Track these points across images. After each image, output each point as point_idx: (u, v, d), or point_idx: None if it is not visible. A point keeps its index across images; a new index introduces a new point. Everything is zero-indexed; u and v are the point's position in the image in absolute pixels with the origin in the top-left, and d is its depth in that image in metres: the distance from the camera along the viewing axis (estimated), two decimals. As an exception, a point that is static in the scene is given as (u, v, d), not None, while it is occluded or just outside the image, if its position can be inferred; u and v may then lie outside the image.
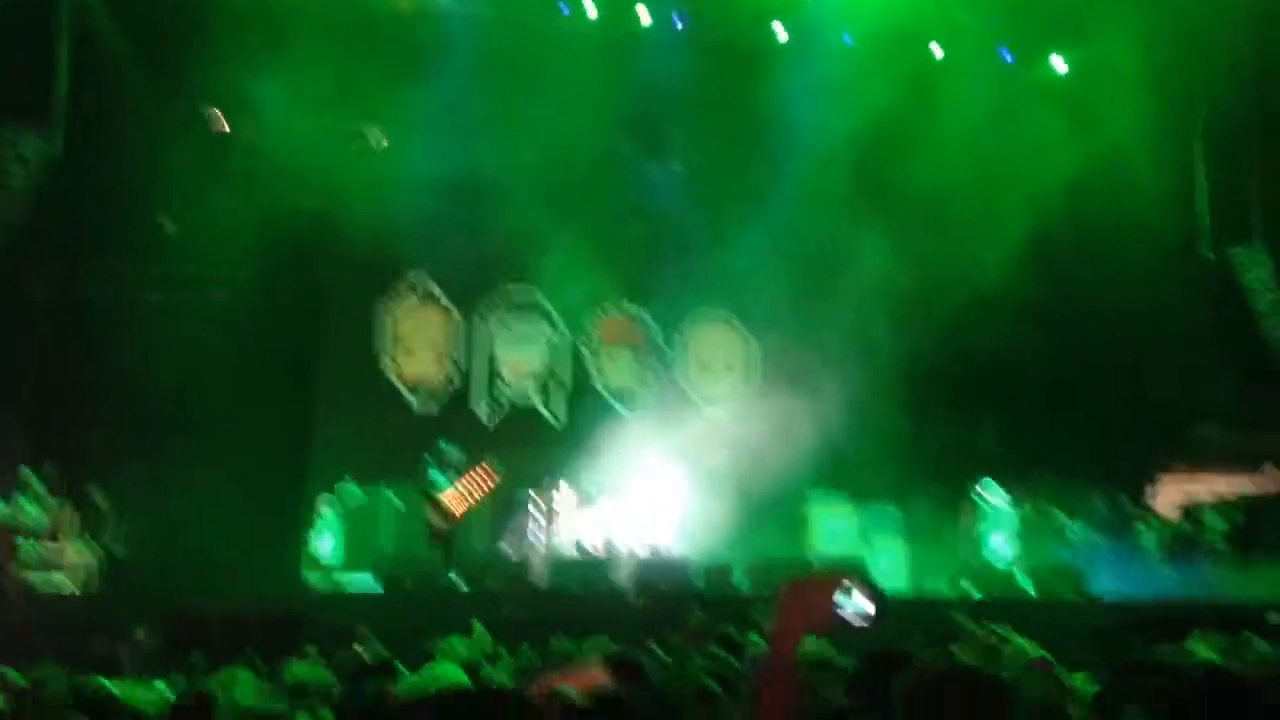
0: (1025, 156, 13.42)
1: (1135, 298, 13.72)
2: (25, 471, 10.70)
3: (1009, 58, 15.26)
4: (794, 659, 2.05)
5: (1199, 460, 15.16)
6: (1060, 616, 10.77)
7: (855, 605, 2.07)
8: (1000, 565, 12.46)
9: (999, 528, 12.69)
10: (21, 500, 10.24)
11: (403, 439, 13.58)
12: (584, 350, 15.69)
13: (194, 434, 12.70)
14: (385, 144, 13.87)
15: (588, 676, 2.78)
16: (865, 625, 2.09)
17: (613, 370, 15.79)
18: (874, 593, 2.09)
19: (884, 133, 13.27)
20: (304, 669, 4.87)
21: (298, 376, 13.77)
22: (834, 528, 13.13)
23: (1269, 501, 13.90)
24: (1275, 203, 13.90)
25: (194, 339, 13.05)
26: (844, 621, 2.08)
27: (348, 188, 13.06)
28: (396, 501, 12.49)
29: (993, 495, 12.80)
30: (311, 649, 6.52)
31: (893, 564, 12.68)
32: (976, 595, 11.55)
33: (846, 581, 2.09)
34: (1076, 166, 13.43)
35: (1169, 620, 9.42)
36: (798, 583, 2.16)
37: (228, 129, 13.52)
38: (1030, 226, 13.05)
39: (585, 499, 12.81)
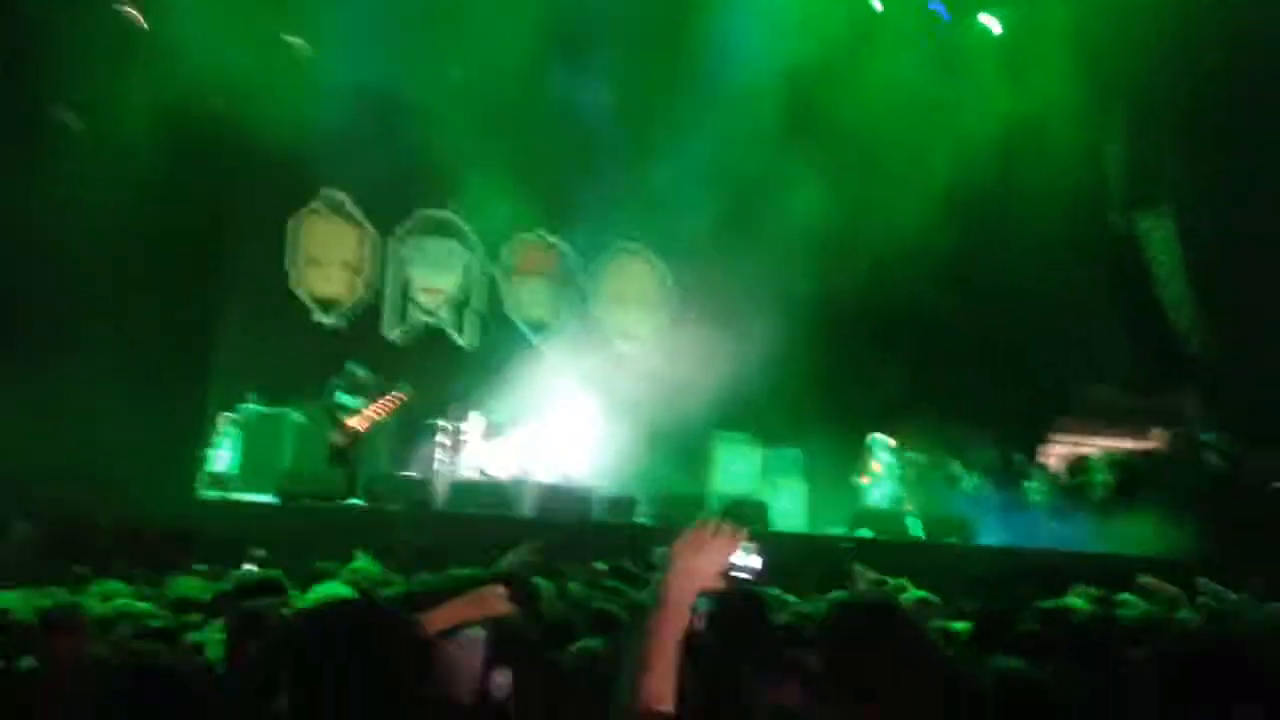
0: (953, 112, 13.55)
1: (1044, 258, 14.01)
2: None
3: (945, 15, 15.30)
4: (686, 612, 2.00)
5: (1091, 419, 15.70)
6: (947, 563, 11.11)
7: (746, 562, 2.09)
8: (888, 510, 12.75)
9: (888, 475, 12.95)
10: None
11: (310, 358, 13.34)
12: (499, 277, 15.53)
13: (89, 338, 12.33)
14: (308, 50, 13.42)
15: (486, 603, 2.70)
16: (750, 580, 2.11)
17: (527, 299, 15.68)
18: (760, 551, 2.12)
19: (817, 75, 13.25)
20: (188, 584, 4.81)
21: (201, 286, 13.39)
22: (738, 467, 13.30)
23: (1150, 460, 14.47)
24: (1184, 172, 14.25)
25: (95, 238, 12.61)
26: (730, 579, 2.09)
27: (263, 94, 12.62)
28: (300, 419, 12.28)
29: (881, 445, 13.04)
30: (200, 566, 6.43)
31: (793, 505, 12.91)
32: (866, 535, 11.85)
33: (745, 541, 2.09)
34: (1001, 126, 13.58)
35: (1048, 571, 9.82)
36: (696, 535, 2.09)
37: (143, 24, 12.95)
38: (951, 180, 13.21)
39: (493, 427, 12.77)
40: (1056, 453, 15.31)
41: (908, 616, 2.57)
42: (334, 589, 4.54)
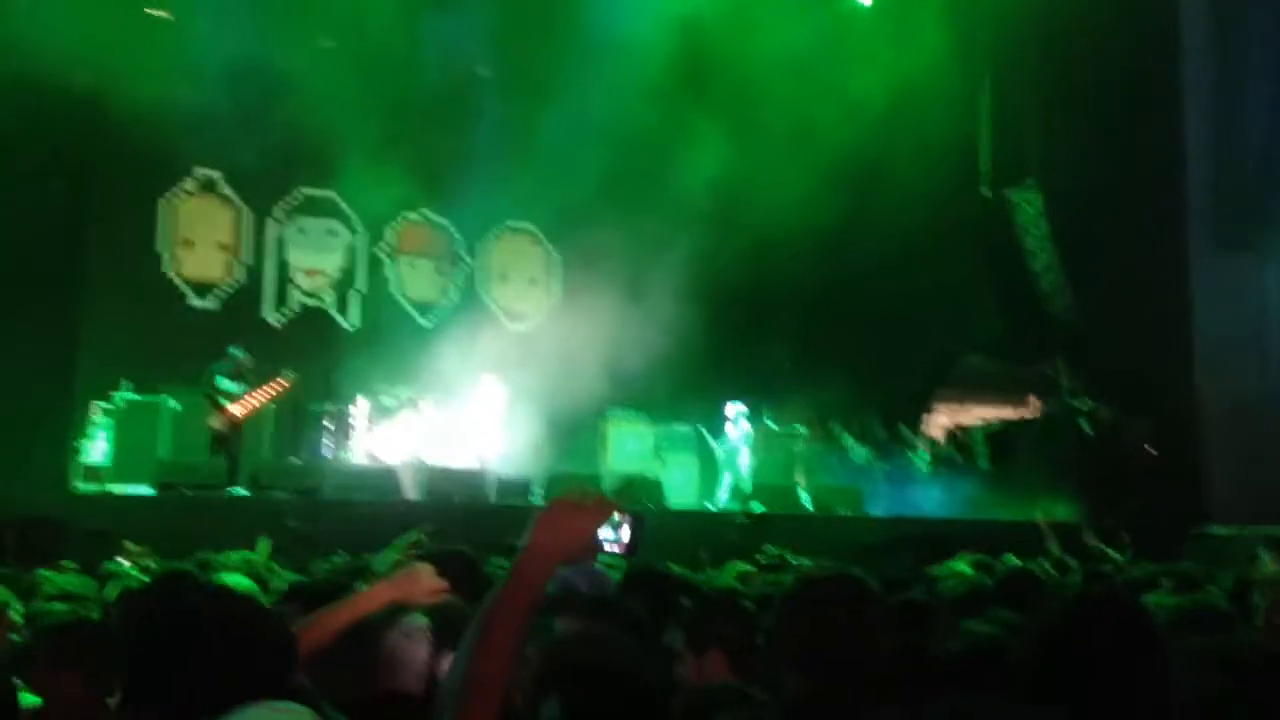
0: (834, 82, 13.72)
1: (919, 231, 14.34)
2: None
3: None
4: (542, 587, 1.83)
5: (968, 388, 16.22)
6: (838, 533, 11.36)
7: (617, 536, 1.91)
8: (779, 484, 12.93)
9: (747, 447, 13.10)
10: None
11: (185, 343, 12.89)
12: (383, 257, 15.23)
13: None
14: (173, 22, 12.89)
15: (413, 585, 2.58)
16: (620, 554, 1.96)
17: (412, 279, 15.41)
18: (635, 522, 1.92)
19: (697, 46, 13.24)
20: (65, 580, 4.61)
21: (65, 272, 12.82)
22: (630, 445, 13.33)
23: (1026, 427, 15.03)
24: (1049, 145, 14.72)
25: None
26: (598, 549, 1.92)
27: (128, 69, 12.09)
28: (177, 407, 11.85)
29: (741, 417, 13.20)
30: (70, 563, 6.15)
31: (685, 481, 13.00)
32: (758, 510, 12.02)
33: (617, 515, 1.90)
34: (878, 99, 13.83)
35: (932, 538, 10.12)
36: (561, 504, 1.90)
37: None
38: (832, 152, 13.39)
39: (381, 410, 12.53)
40: (938, 422, 15.78)
41: (874, 591, 2.57)
42: (232, 579, 4.42)
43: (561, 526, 1.85)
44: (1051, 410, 14.66)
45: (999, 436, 14.65)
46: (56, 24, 11.32)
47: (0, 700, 2.34)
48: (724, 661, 2.88)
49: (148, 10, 12.75)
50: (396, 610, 2.48)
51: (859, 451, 13.91)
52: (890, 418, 14.70)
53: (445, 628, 2.44)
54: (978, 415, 15.75)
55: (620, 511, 1.90)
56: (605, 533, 1.90)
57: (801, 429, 13.59)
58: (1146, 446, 13.19)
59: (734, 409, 13.10)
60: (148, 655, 1.90)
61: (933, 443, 14.95)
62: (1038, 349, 15.18)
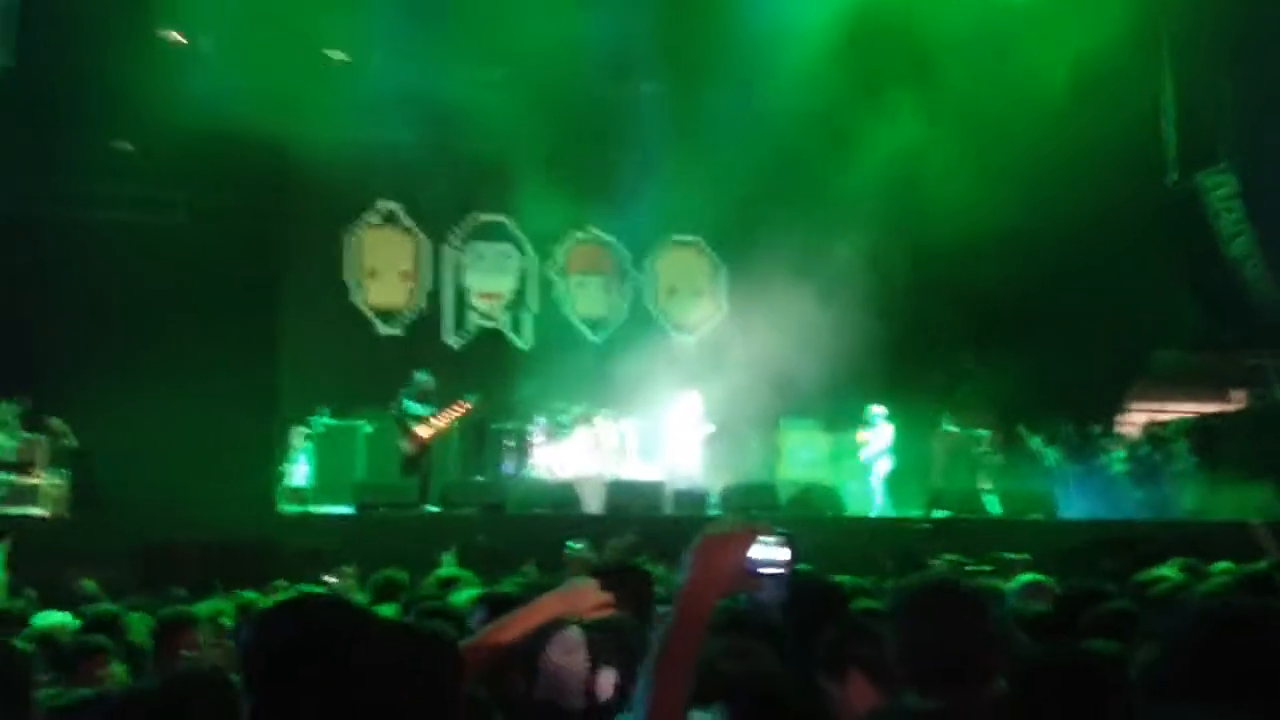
0: (1004, 72, 13.31)
1: (1104, 223, 13.73)
2: (7, 407, 10.51)
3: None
4: (704, 623, 1.83)
5: (1167, 384, 15.37)
6: (1029, 539, 10.93)
7: (770, 557, 1.86)
8: (964, 489, 12.54)
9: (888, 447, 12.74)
10: (-9, 434, 10.08)
11: (374, 368, 13.51)
12: (553, 277, 15.57)
13: (159, 367, 12.57)
14: (349, 62, 13.53)
15: (577, 599, 2.62)
16: (782, 574, 1.88)
17: (582, 297, 15.70)
18: (787, 539, 1.87)
19: (860, 46, 13.02)
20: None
21: (262, 303, 13.61)
22: (805, 453, 13.22)
23: (1229, 422, 14.15)
24: (1241, 125, 13.89)
25: (155, 262, 12.86)
26: (759, 576, 1.86)
27: (310, 110, 12.77)
28: (370, 430, 12.43)
29: (875, 415, 12.84)
30: (280, 582, 6.50)
31: (863, 488, 12.77)
32: (943, 516, 11.69)
33: (761, 534, 1.86)
34: (1052, 84, 13.33)
35: (1134, 542, 9.63)
36: (710, 539, 1.87)
37: (183, 42, 13.16)
38: (1007, 143, 12.97)
39: (558, 426, 12.81)
40: (1134, 420, 15.01)
41: (975, 593, 2.48)
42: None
43: (713, 563, 1.84)
44: (1259, 403, 13.76)
45: (1201, 433, 13.81)
46: (241, 74, 12.06)
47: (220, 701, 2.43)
48: (865, 682, 2.76)
49: (325, 52, 13.40)
50: (557, 623, 2.52)
51: (1049, 454, 13.36)
52: (1082, 417, 14.06)
53: (606, 642, 2.46)
54: (1177, 411, 14.90)
55: (771, 533, 1.87)
56: (762, 554, 1.87)
57: (984, 432, 13.17)
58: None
59: (876, 411, 12.79)
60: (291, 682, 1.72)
61: (1129, 442, 14.23)
62: (1240, 339, 14.30)
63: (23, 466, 9.95)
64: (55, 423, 11.08)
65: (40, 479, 10.02)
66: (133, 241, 13.02)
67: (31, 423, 10.72)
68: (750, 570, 1.86)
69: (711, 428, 12.83)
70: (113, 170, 13.12)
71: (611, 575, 3.47)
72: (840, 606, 3.65)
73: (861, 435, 12.76)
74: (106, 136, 12.86)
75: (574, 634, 2.50)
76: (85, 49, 11.75)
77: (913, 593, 2.60)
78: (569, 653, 2.49)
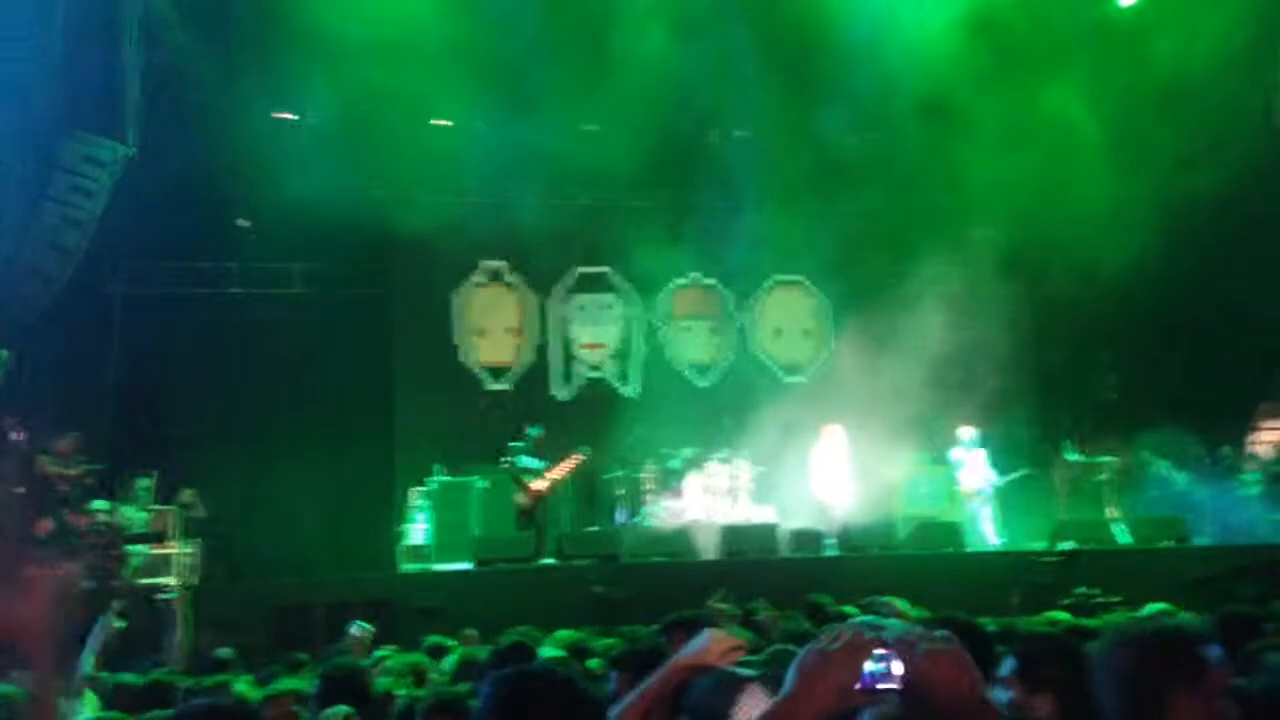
0: (1092, 92, 13.01)
1: (1221, 240, 13.23)
2: (139, 481, 10.97)
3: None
4: None
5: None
6: (1160, 568, 10.53)
7: (885, 669, 1.71)
8: (1092, 518, 12.11)
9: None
10: (124, 508, 10.51)
11: (485, 424, 13.76)
12: (658, 324, 15.67)
13: (282, 430, 13.01)
14: (454, 130, 13.92)
15: (713, 650, 2.64)
16: (894, 689, 1.70)
17: (687, 343, 15.76)
18: (899, 650, 1.70)
19: (950, 77, 12.86)
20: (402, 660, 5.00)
21: (377, 367, 14.00)
22: (922, 490, 12.97)
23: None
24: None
25: (274, 333, 13.36)
26: (870, 693, 1.71)
27: (416, 175, 13.17)
28: (485, 485, 12.64)
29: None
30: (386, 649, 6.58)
31: (991, 523, 12.45)
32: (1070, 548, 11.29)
33: (877, 649, 1.71)
34: (1148, 108, 12.94)
35: (1273, 566, 9.19)
36: (818, 654, 1.73)
37: (296, 122, 13.72)
38: (1107, 170, 12.63)
39: (668, 473, 12.82)
40: (1267, 439, 14.31)
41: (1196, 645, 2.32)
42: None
43: (815, 684, 1.72)
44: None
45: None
46: (348, 147, 12.50)
47: None
48: (1054, 705, 2.74)
49: (433, 122, 13.80)
50: (734, 679, 2.51)
51: (1179, 478, 12.84)
52: (1212, 438, 13.47)
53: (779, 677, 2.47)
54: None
55: (884, 648, 1.71)
56: (873, 668, 1.72)
57: (1109, 458, 12.73)
58: None
59: (966, 432, 12.47)
60: None
61: (1263, 461, 13.56)
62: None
63: (155, 537, 10.33)
64: (185, 494, 11.54)
65: (173, 549, 10.41)
66: (252, 315, 13.57)
67: (162, 495, 11.16)
68: (861, 688, 1.71)
69: (855, 459, 12.62)
70: (232, 247, 13.72)
71: (681, 627, 3.47)
72: (988, 646, 3.36)
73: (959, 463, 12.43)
74: (226, 215, 13.48)
75: (758, 687, 2.50)
76: (202, 133, 12.34)
77: (1119, 643, 2.26)
78: (758, 705, 2.50)
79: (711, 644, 2.61)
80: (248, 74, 12.29)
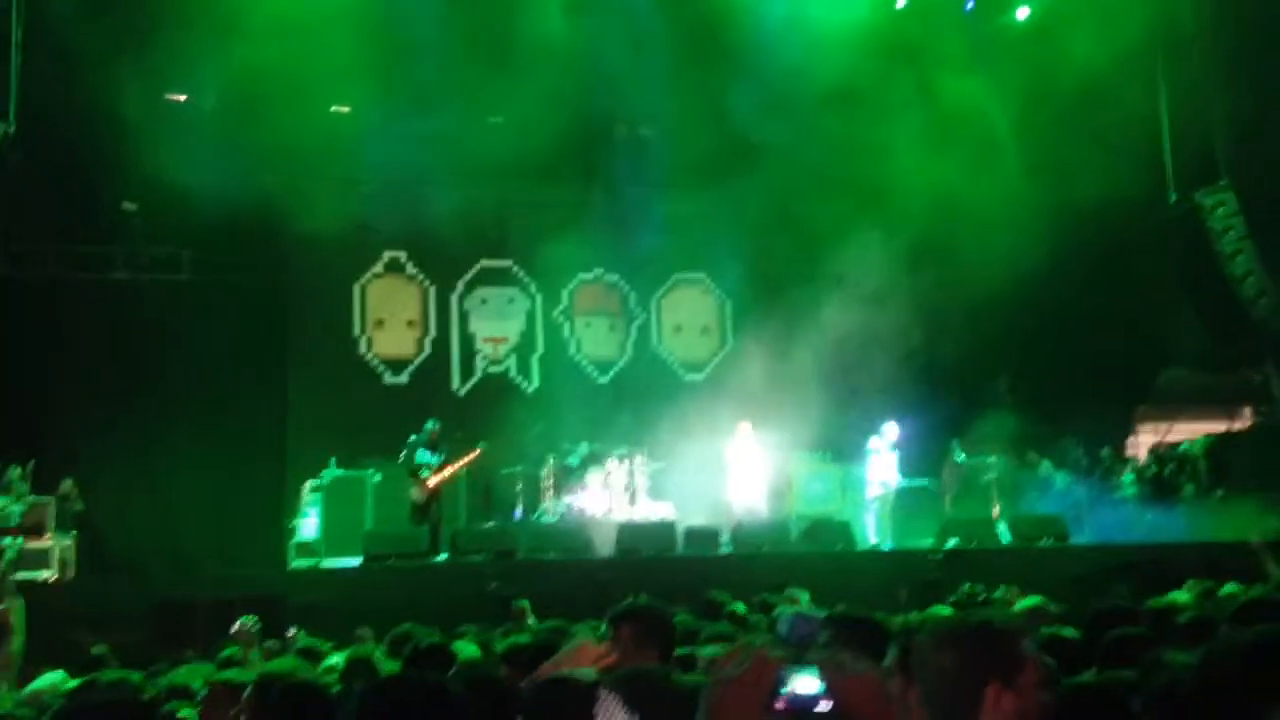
0: (985, 104, 13.39)
1: (1107, 245, 13.75)
2: (13, 470, 10.55)
3: (970, 3, 15.09)
4: None
5: (1173, 404, 15.31)
6: (1041, 565, 10.88)
7: (800, 689, 1.60)
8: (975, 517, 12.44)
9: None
10: (1, 499, 10.10)
11: (382, 417, 13.54)
12: (559, 319, 15.63)
13: (169, 420, 12.64)
14: (353, 117, 13.67)
15: (584, 658, 2.66)
16: (811, 710, 1.60)
17: (589, 338, 15.75)
18: (820, 664, 1.61)
19: (854, 79, 13.08)
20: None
21: (270, 357, 13.68)
22: (816, 488, 13.17)
23: (1239, 440, 14.06)
24: (1238, 142, 13.89)
25: (161, 321, 12.96)
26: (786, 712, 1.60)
27: (314, 162, 12.90)
28: (379, 480, 12.44)
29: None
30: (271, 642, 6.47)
31: (877, 522, 12.71)
32: (950, 546, 11.60)
33: (779, 668, 1.61)
34: (1042, 116, 13.38)
35: (1148, 565, 9.58)
36: (723, 685, 1.64)
37: (188, 103, 13.33)
38: (995, 180, 13.01)
39: (566, 469, 12.81)
40: (1140, 440, 14.95)
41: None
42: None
43: (730, 712, 1.62)
44: (1264, 420, 13.69)
45: (1211, 451, 13.73)
46: (243, 131, 12.18)
47: None
48: None
49: (332, 109, 13.53)
50: (585, 687, 2.54)
51: (1059, 478, 13.30)
52: (1091, 441, 14.00)
53: (636, 694, 2.49)
54: (1185, 432, 14.83)
55: (793, 664, 1.61)
56: (795, 688, 1.60)
57: (994, 459, 13.12)
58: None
59: (890, 429, 12.72)
60: None
61: (1139, 464, 14.15)
62: (1244, 356, 14.24)
63: (32, 530, 9.94)
64: (64, 484, 11.12)
65: (49, 542, 10.03)
66: (138, 301, 13.14)
67: (40, 486, 10.75)
68: (786, 708, 1.58)
69: (767, 456, 12.71)
70: (117, 231, 13.26)
71: (630, 619, 3.46)
72: (883, 640, 3.32)
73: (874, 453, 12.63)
74: (111, 198, 13.01)
75: (613, 698, 2.51)
76: (88, 112, 11.90)
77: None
78: (612, 716, 2.51)
79: (583, 651, 2.62)
80: (137, 53, 11.87)
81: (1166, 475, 13.65)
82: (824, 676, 1.58)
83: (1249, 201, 13.75)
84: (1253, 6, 12.88)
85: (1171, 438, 14.86)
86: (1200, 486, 13.39)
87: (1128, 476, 13.59)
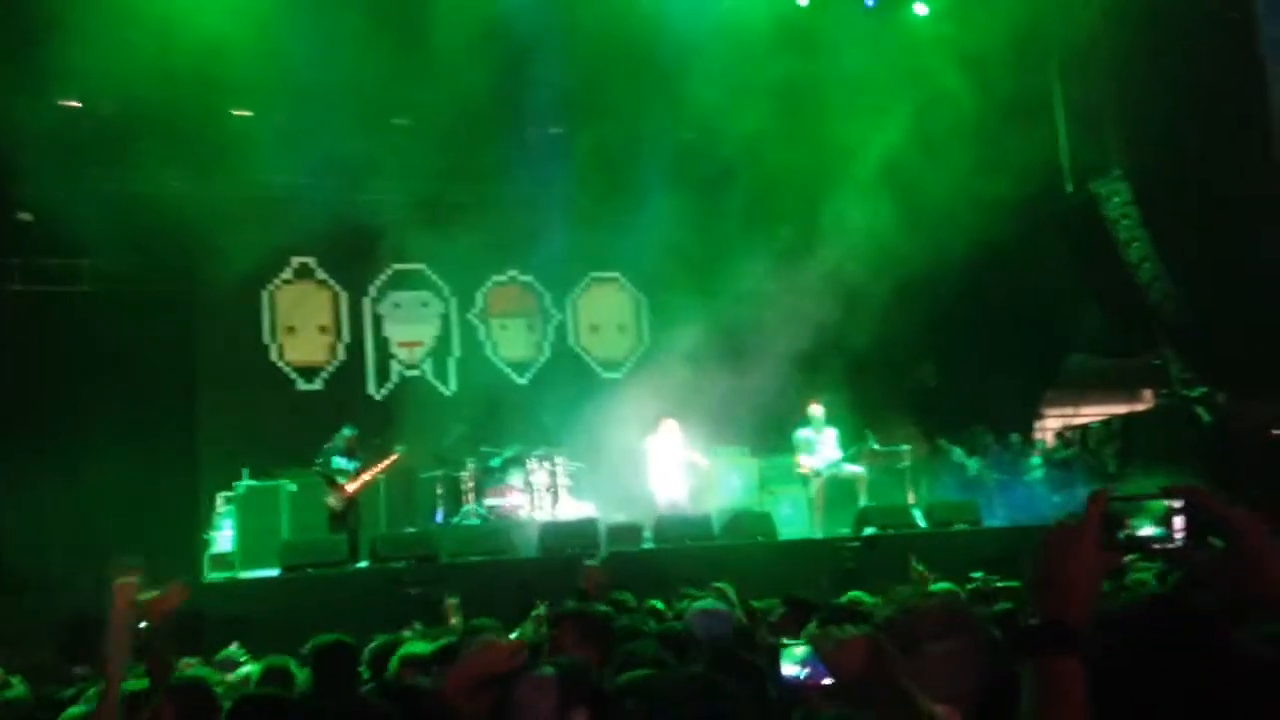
0: (899, 97, 13.65)
1: (1010, 236, 14.10)
2: None
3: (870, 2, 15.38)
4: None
5: (1076, 390, 15.80)
6: (953, 549, 11.13)
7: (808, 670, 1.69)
8: (892, 504, 12.67)
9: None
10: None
11: (296, 426, 13.31)
12: (475, 322, 15.54)
13: (73, 435, 12.28)
14: (255, 120, 13.42)
15: (495, 655, 2.66)
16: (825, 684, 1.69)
17: (504, 340, 15.69)
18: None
19: (765, 76, 13.20)
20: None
21: (177, 368, 13.37)
22: (736, 481, 13.30)
23: (1141, 421, 14.57)
24: (1130, 132, 14.36)
25: (63, 333, 12.59)
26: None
27: (218, 168, 12.63)
28: (294, 489, 12.22)
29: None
30: (190, 659, 6.34)
31: (795, 511, 12.90)
32: (867, 533, 11.81)
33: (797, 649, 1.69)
34: (938, 109, 13.67)
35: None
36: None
37: (84, 110, 12.95)
38: (901, 172, 13.27)
39: (487, 471, 12.74)
40: (1047, 425, 15.41)
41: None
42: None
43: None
44: (1165, 401, 14.20)
45: (1114, 433, 14.21)
46: (143, 136, 11.88)
47: None
48: None
49: (234, 112, 13.25)
50: (528, 663, 2.55)
51: (971, 464, 13.63)
52: (1000, 426, 14.37)
53: (577, 682, 2.50)
54: (1091, 415, 15.32)
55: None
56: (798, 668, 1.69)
57: (907, 447, 13.39)
58: (1273, 431, 12.67)
59: (816, 409, 12.86)
60: None
61: (1046, 447, 14.58)
62: (1143, 341, 14.75)
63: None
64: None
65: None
66: (38, 314, 12.75)
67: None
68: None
69: (695, 454, 12.74)
70: (13, 243, 12.84)
71: (573, 618, 3.50)
72: None
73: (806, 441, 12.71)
74: (5, 209, 12.59)
75: (546, 673, 2.52)
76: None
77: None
78: (540, 691, 2.51)
79: (495, 651, 2.61)
80: (26, 58, 11.50)
81: (1071, 458, 14.09)
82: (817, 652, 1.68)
83: (1141, 191, 14.24)
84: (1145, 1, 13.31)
85: (1077, 422, 15.34)
86: (1104, 467, 13.85)
87: (1035, 460, 13.98)
